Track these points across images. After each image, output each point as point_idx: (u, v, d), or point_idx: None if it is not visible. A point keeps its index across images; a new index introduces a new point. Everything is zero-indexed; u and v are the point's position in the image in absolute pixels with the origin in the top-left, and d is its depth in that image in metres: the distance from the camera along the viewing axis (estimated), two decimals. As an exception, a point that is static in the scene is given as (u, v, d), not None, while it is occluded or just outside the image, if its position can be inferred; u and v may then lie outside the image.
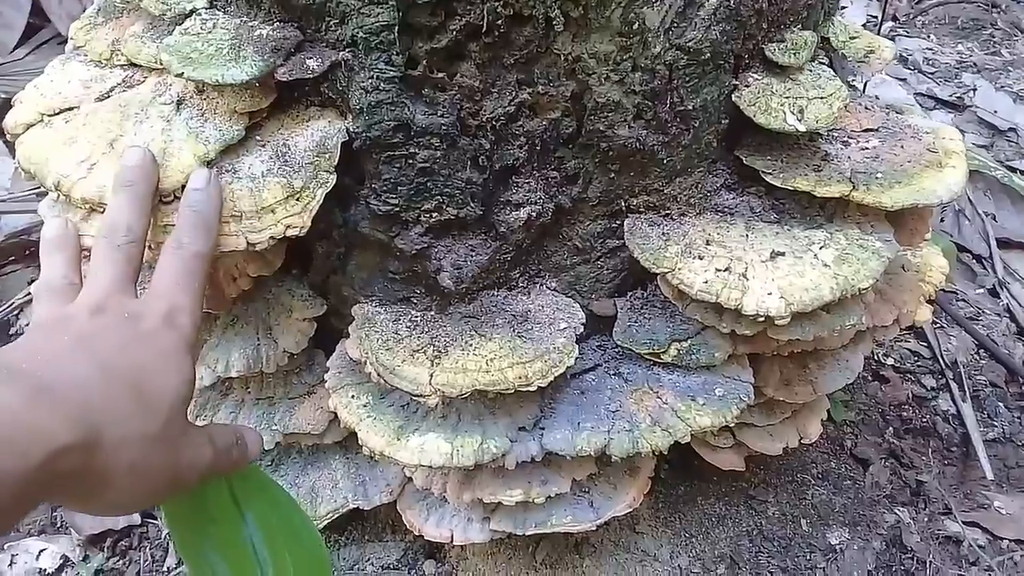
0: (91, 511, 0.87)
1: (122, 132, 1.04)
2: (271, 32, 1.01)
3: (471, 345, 1.12)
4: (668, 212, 1.18)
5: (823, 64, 1.20)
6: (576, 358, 1.13)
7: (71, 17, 2.71)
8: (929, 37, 3.45)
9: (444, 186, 1.08)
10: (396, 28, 0.96)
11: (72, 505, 0.93)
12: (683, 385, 1.20)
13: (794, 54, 1.12)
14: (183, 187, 0.99)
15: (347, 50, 1.00)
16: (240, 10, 1.06)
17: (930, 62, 3.24)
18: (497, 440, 1.13)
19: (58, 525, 1.64)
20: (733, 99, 1.11)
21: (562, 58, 1.01)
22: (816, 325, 1.15)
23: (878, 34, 2.13)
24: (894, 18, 3.56)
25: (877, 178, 1.14)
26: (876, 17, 3.28)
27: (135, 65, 1.13)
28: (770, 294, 1.09)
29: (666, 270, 1.12)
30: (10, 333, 2.00)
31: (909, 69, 3.17)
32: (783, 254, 1.13)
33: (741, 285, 1.09)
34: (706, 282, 1.10)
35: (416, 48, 0.99)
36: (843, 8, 3.45)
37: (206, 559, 0.97)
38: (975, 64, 3.25)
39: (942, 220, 2.39)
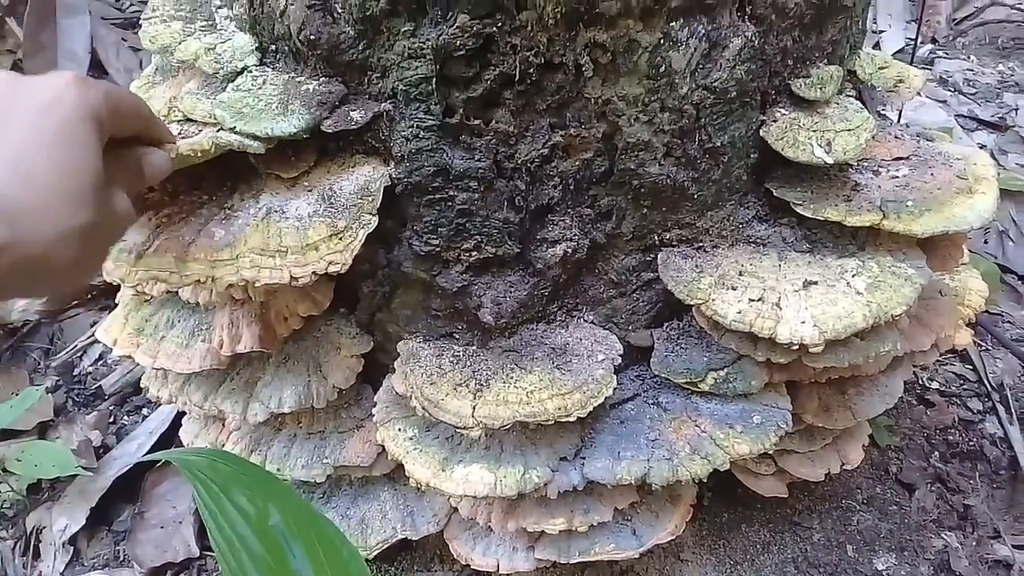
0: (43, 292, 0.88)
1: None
2: (317, 87, 1.07)
3: (512, 378, 1.16)
4: (701, 244, 1.21)
5: (850, 96, 1.23)
6: (614, 388, 1.17)
7: (128, 69, 2.84)
8: (969, 58, 3.43)
9: (482, 226, 1.12)
10: (434, 80, 1.02)
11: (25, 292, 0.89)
12: (721, 413, 1.23)
13: (820, 88, 1.16)
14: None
15: (388, 101, 1.06)
16: (288, 67, 1.12)
17: (971, 83, 3.23)
18: (539, 470, 1.17)
19: (121, 559, 1.70)
20: (761, 134, 1.14)
21: (592, 101, 1.06)
22: (851, 352, 1.17)
23: (911, 59, 2.15)
24: (933, 40, 3.55)
25: (907, 206, 1.16)
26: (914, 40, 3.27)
27: (191, 120, 1.20)
28: (803, 322, 1.11)
29: (700, 301, 1.15)
30: (74, 374, 2.09)
31: (949, 91, 3.16)
32: (816, 283, 1.16)
33: (775, 314, 1.12)
34: (740, 312, 1.12)
35: (453, 97, 1.04)
36: (881, 32, 3.46)
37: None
38: (1017, 83, 3.23)
39: (985, 242, 2.37)
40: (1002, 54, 3.50)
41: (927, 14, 3.57)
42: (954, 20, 3.70)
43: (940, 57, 3.42)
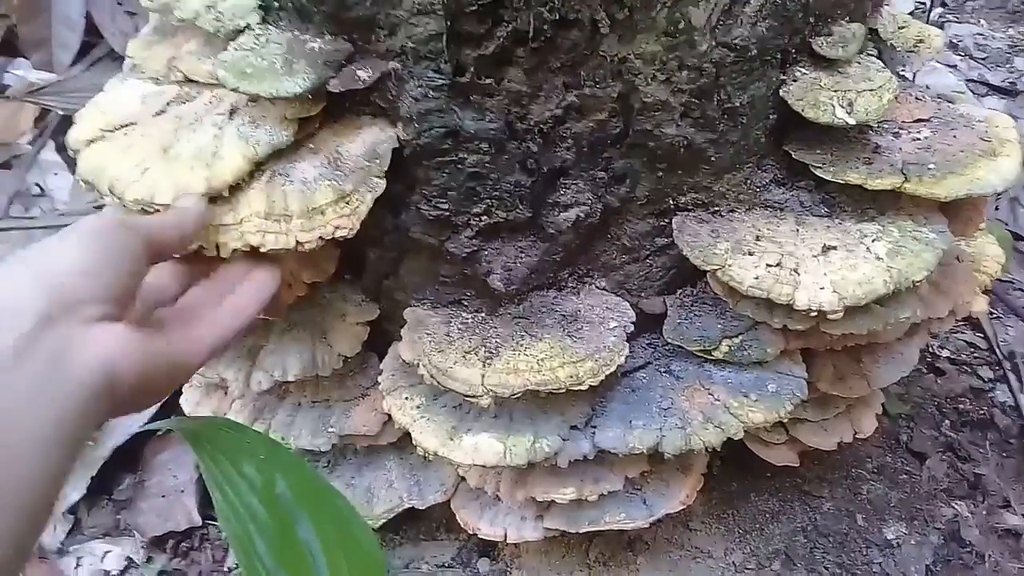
0: None
1: (177, 139, 1.07)
2: (322, 45, 1.03)
3: (522, 345, 1.13)
4: (717, 209, 1.18)
5: (872, 56, 1.19)
6: (627, 356, 1.14)
7: (124, 34, 2.78)
8: (979, 22, 3.38)
9: (493, 190, 1.09)
10: (444, 37, 0.98)
11: None
12: (735, 381, 1.20)
13: (842, 47, 1.12)
14: (230, 188, 1.02)
15: (396, 60, 1.02)
16: (292, 25, 1.08)
17: (981, 47, 3.18)
18: (549, 439, 1.14)
19: (122, 528, 1.69)
20: (781, 94, 1.11)
21: (608, 60, 1.02)
22: (870, 319, 1.14)
23: (927, 21, 2.10)
24: (943, 4, 3.49)
25: (930, 169, 1.13)
26: (925, 4, 3.22)
27: (191, 81, 1.16)
28: (822, 289, 1.08)
29: (716, 267, 1.12)
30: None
31: (960, 55, 3.11)
32: (835, 248, 1.13)
33: (792, 280, 1.09)
34: (757, 278, 1.10)
35: (464, 55, 1.00)
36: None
37: (261, 561, 0.99)
38: (1027, 48, 3.18)
39: (996, 208, 2.34)
40: (1012, 18, 3.44)
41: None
42: (964, -17, 3.64)
43: (950, 21, 3.37)
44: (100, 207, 2.11)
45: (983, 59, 3.11)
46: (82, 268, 0.77)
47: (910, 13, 3.15)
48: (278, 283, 1.03)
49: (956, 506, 1.61)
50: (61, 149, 2.51)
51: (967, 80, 2.91)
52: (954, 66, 3.01)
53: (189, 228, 0.96)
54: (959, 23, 3.35)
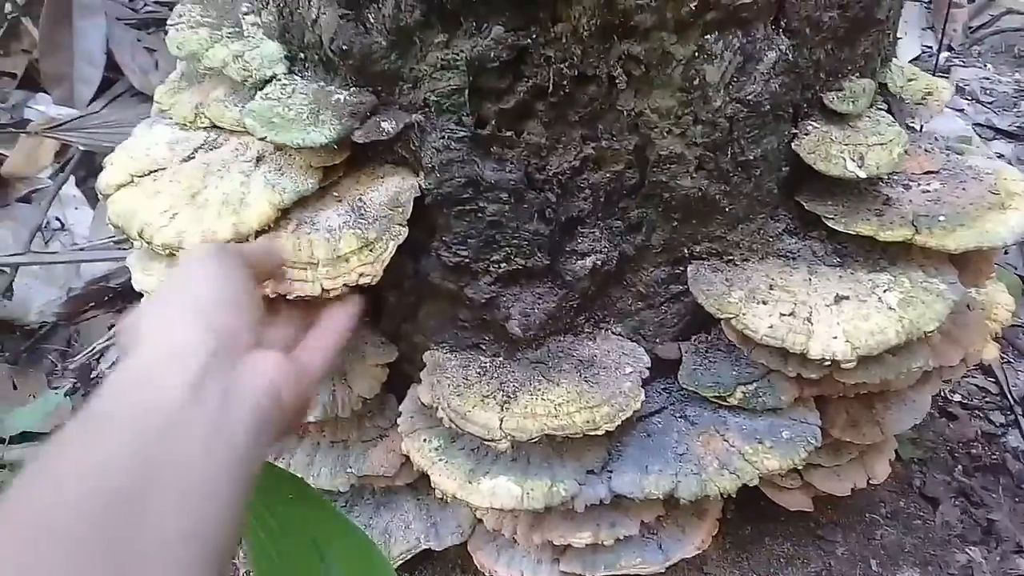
0: None
1: (205, 185, 1.11)
2: (348, 97, 1.06)
3: (539, 390, 1.15)
4: (731, 258, 1.20)
5: (881, 109, 1.21)
6: (642, 401, 1.15)
7: (143, 71, 2.84)
8: (985, 66, 3.41)
9: (512, 238, 1.11)
10: (466, 91, 1.01)
11: None
12: (750, 428, 1.21)
13: (852, 102, 1.14)
14: (257, 233, 1.05)
15: (419, 112, 1.05)
16: (317, 76, 1.11)
17: (987, 91, 3.21)
18: (566, 483, 1.16)
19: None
20: (793, 147, 1.13)
21: (625, 114, 1.05)
22: (882, 368, 1.16)
23: (935, 70, 2.13)
24: (949, 48, 3.53)
25: (940, 221, 1.15)
26: (931, 47, 3.26)
27: (217, 127, 1.19)
28: (835, 338, 1.10)
29: (730, 315, 1.14)
30: (91, 377, 2.08)
31: (967, 99, 3.14)
32: (847, 298, 1.14)
33: (806, 329, 1.11)
34: (771, 327, 1.11)
35: (485, 109, 1.03)
36: (898, 39, 3.44)
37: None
38: (1034, 92, 3.21)
39: (1006, 252, 2.35)
40: (1018, 63, 3.48)
41: (942, 21, 3.55)
42: (970, 28, 3.68)
43: (956, 65, 3.41)
44: (121, 242, 2.15)
45: (990, 103, 3.14)
46: (227, 299, 0.80)
47: (916, 57, 3.20)
48: (359, 313, 1.07)
49: (970, 552, 1.61)
50: (81, 184, 2.55)
51: (974, 124, 2.94)
52: (961, 110, 3.04)
53: (278, 257, 1.01)
54: (965, 67, 3.39)
